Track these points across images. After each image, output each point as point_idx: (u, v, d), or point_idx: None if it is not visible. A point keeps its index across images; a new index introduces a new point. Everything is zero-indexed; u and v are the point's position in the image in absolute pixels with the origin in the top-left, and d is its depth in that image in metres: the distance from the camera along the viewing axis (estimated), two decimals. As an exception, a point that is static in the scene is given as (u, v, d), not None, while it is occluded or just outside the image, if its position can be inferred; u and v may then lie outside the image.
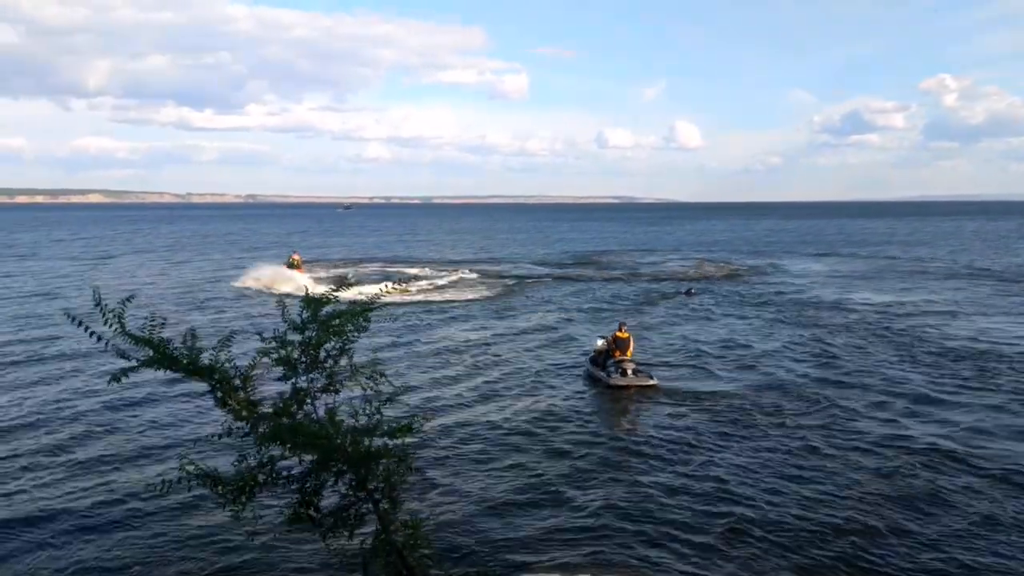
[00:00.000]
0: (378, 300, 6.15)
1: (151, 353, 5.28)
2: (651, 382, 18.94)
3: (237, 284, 38.99)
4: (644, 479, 12.81)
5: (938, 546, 10.27)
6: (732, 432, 15.26)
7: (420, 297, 35.73)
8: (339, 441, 5.87)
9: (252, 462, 5.69)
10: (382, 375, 5.89)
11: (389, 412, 6.07)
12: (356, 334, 5.84)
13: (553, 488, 12.41)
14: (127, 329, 5.22)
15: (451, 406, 17.34)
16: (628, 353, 19.80)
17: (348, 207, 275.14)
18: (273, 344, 5.66)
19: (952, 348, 22.97)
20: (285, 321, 5.74)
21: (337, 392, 6.14)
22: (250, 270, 41.99)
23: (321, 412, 6.14)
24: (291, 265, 47.21)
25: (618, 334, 20.30)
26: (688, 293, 37.49)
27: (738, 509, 11.43)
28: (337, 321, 5.71)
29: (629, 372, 19.18)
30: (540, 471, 13.20)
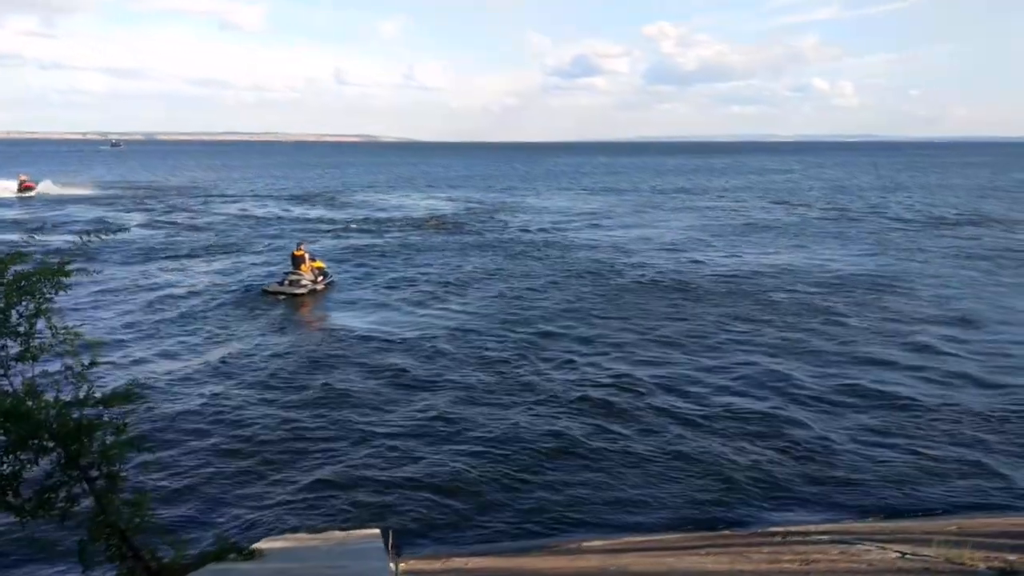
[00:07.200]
0: (73, 258, 5.47)
1: None
2: (299, 291, 21.85)
3: None
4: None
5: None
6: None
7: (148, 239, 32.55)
8: (42, 416, 5.22)
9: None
10: (78, 335, 5.33)
11: (104, 381, 5.45)
12: (54, 292, 5.20)
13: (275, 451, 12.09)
14: None
15: (167, 366, 16.13)
16: (303, 269, 22.51)
17: (116, 143, 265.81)
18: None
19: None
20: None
21: (35, 359, 5.44)
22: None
23: (18, 383, 5.42)
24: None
25: (294, 252, 23.18)
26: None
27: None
28: (26, 281, 5.00)
29: (285, 283, 22.13)
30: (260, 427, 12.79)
